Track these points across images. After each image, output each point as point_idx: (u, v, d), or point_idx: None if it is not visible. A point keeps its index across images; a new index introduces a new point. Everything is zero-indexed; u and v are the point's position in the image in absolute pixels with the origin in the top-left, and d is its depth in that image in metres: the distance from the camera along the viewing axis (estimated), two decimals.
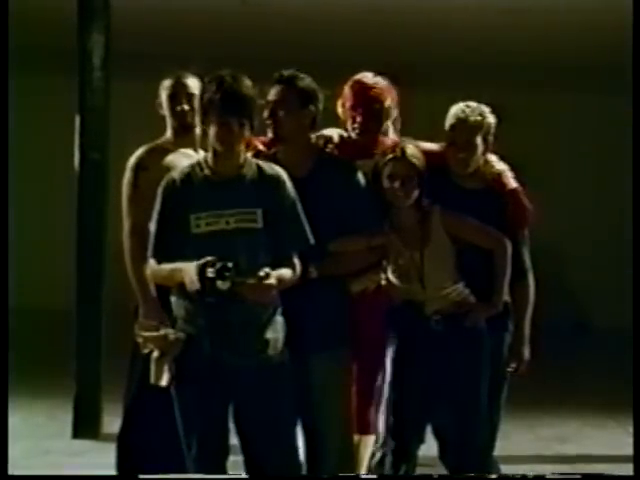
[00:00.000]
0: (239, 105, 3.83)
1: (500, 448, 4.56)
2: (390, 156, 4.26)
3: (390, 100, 4.63)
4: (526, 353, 4.43)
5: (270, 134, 4.22)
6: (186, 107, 4.66)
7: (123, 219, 4.68)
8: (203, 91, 3.93)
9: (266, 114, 4.17)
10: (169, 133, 4.75)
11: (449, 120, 4.37)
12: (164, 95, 4.74)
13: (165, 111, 4.75)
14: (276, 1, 8.72)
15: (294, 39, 9.70)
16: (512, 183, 4.43)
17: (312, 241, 3.97)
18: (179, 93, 4.69)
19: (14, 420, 5.49)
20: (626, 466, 5.13)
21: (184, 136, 4.67)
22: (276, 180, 3.95)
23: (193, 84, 4.68)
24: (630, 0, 5.88)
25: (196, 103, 4.58)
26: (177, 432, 4.02)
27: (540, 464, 6.06)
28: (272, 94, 4.18)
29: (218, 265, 3.68)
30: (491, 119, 4.39)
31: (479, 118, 4.33)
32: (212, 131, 3.86)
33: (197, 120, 4.49)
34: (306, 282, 4.01)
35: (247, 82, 3.91)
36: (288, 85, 4.18)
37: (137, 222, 4.53)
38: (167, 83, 4.74)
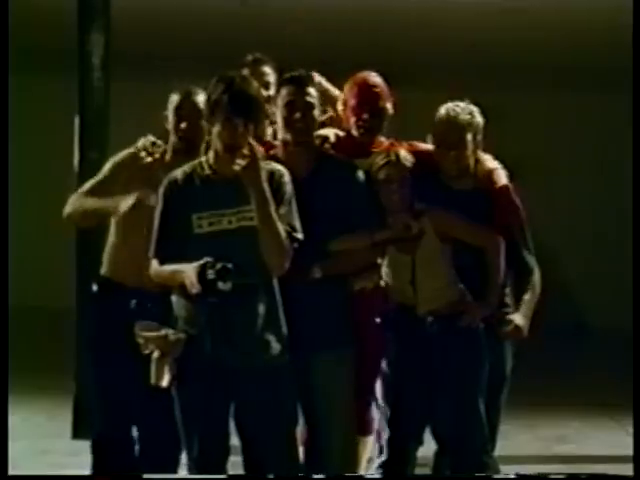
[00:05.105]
0: (246, 105, 3.82)
1: (500, 448, 4.56)
2: (384, 160, 4.25)
3: (389, 101, 4.63)
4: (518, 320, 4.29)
5: (293, 135, 4.16)
6: (191, 123, 4.36)
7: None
8: (210, 91, 3.87)
9: (298, 115, 4.11)
10: (168, 153, 4.47)
11: (439, 120, 4.37)
12: (170, 109, 4.47)
13: (169, 125, 4.48)
14: (276, 2, 8.72)
15: (294, 40, 9.69)
16: (502, 180, 4.43)
17: (301, 237, 3.94)
18: (185, 109, 4.41)
19: (14, 420, 5.48)
20: (626, 466, 5.13)
21: (184, 158, 4.24)
22: (276, 176, 3.93)
23: (202, 101, 4.27)
24: (630, 0, 5.88)
25: (203, 121, 4.32)
26: (164, 431, 4.11)
27: (540, 464, 6.06)
28: (300, 94, 4.12)
29: (218, 266, 3.68)
30: (480, 118, 4.40)
31: (468, 117, 4.35)
32: (216, 130, 3.84)
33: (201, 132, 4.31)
34: (309, 282, 4.02)
35: (255, 84, 3.91)
36: (308, 85, 4.16)
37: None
38: (175, 97, 4.47)
